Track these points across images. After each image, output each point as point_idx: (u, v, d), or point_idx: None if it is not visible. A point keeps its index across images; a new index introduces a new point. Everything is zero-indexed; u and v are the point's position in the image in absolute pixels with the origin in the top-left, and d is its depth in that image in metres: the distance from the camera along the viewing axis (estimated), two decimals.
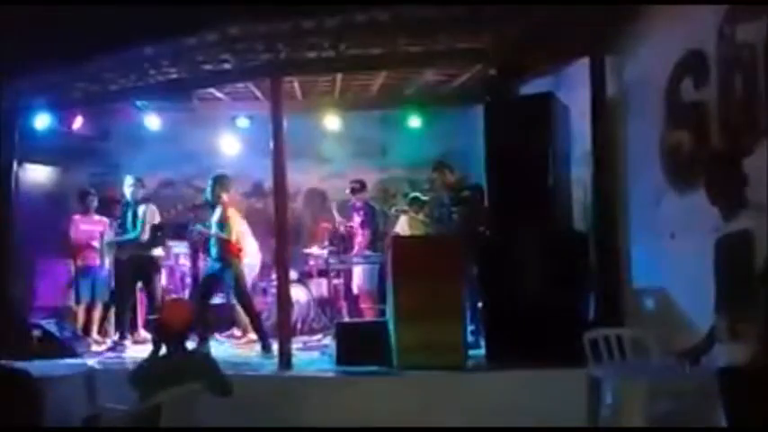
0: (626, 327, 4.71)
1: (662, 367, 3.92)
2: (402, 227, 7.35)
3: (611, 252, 5.46)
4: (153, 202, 7.44)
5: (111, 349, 6.70)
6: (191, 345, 5.85)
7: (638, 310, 5.11)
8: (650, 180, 4.91)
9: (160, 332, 4.22)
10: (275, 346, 5.89)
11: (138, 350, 6.33)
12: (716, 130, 4.10)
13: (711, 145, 4.13)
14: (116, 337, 6.93)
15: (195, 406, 3.80)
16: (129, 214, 7.12)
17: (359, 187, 7.54)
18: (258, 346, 6.48)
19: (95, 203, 7.48)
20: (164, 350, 4.11)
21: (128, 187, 7.15)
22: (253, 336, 7.01)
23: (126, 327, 6.90)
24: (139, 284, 7.18)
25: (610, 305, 5.33)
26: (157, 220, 7.25)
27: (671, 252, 4.69)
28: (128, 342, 6.77)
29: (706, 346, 2.95)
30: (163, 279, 7.49)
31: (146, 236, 7.05)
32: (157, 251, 7.24)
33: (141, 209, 7.10)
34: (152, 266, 7.11)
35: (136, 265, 7.03)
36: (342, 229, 7.61)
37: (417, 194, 7.45)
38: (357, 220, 7.54)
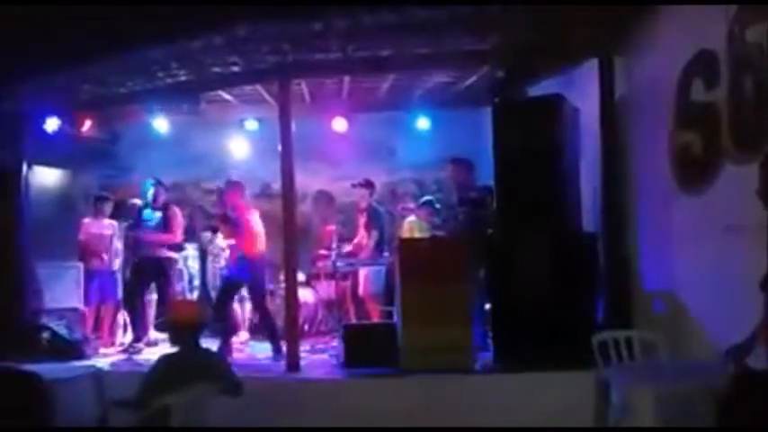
0: (635, 329, 4.68)
1: (671, 369, 3.90)
2: (404, 231, 7.34)
3: (620, 254, 5.43)
4: None
5: (124, 350, 6.72)
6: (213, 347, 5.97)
7: (648, 312, 5.08)
8: (660, 181, 4.89)
9: (169, 333, 4.27)
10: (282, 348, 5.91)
11: (151, 352, 6.37)
12: (726, 132, 4.08)
13: (722, 146, 4.11)
14: (130, 338, 6.95)
15: (205, 408, 3.81)
16: (153, 217, 7.09)
17: (366, 185, 7.52)
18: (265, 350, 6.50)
19: (110, 208, 7.50)
20: (175, 349, 4.15)
21: (150, 191, 7.15)
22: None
23: (140, 329, 6.92)
24: (152, 286, 7.18)
25: (619, 307, 5.30)
26: (182, 223, 7.28)
27: (681, 254, 4.67)
28: (141, 344, 6.79)
29: (751, 347, 2.90)
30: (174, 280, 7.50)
31: (180, 238, 7.08)
32: (172, 253, 7.25)
33: (170, 212, 7.09)
34: (166, 268, 7.12)
35: (150, 267, 7.03)
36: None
37: (431, 198, 7.43)
38: (362, 221, 7.53)
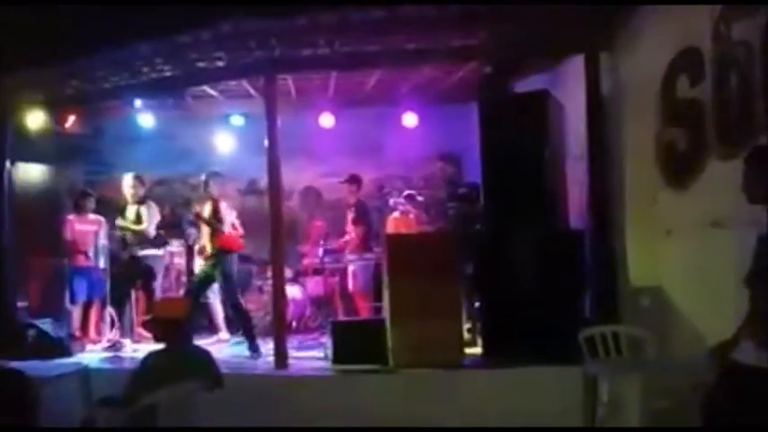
0: (622, 324, 4.71)
1: (658, 364, 3.93)
2: (389, 227, 7.36)
3: (607, 249, 5.46)
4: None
5: (110, 347, 6.68)
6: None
7: (635, 307, 5.12)
8: (646, 177, 4.92)
9: (155, 330, 4.26)
10: (270, 345, 5.89)
11: (137, 350, 6.34)
12: (711, 128, 4.11)
13: (707, 142, 4.14)
14: (115, 335, 6.91)
15: (191, 405, 3.79)
16: (131, 213, 7.09)
17: (352, 180, 7.52)
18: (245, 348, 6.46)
19: (93, 204, 7.45)
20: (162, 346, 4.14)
21: (128, 186, 7.13)
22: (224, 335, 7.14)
23: (126, 326, 6.88)
24: (138, 284, 7.14)
25: (606, 302, 5.33)
26: (158, 218, 7.24)
27: (667, 249, 4.70)
28: (127, 341, 6.76)
29: (736, 342, 2.93)
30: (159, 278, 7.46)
31: (152, 232, 7.05)
32: (156, 250, 7.23)
33: (144, 207, 7.08)
34: (151, 266, 7.10)
35: (135, 265, 7.00)
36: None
37: (412, 192, 7.43)
38: (350, 217, 7.53)
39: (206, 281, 6.74)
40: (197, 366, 4.03)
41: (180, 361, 3.99)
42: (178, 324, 4.18)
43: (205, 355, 4.26)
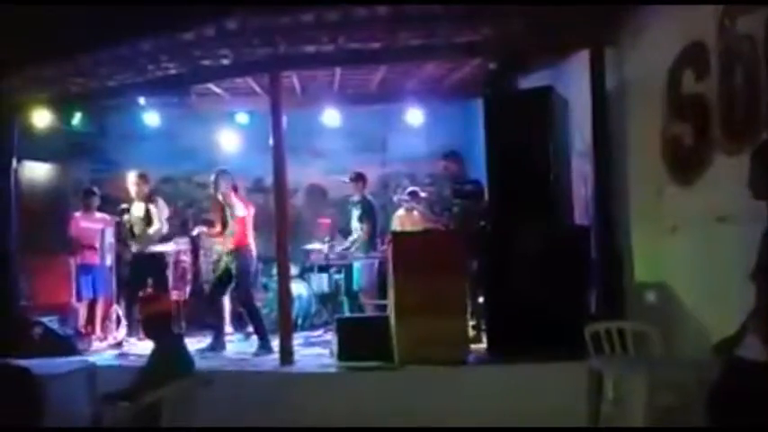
0: (628, 320, 4.69)
1: (663, 360, 3.92)
2: (394, 224, 7.35)
3: (612, 245, 5.45)
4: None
5: (116, 345, 6.70)
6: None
7: (640, 303, 5.10)
8: (651, 173, 4.90)
9: (146, 329, 4.30)
10: (275, 342, 5.89)
11: (144, 347, 6.35)
12: (717, 123, 4.09)
13: (713, 137, 4.12)
14: (122, 333, 6.93)
15: (194, 400, 3.80)
16: (139, 210, 7.10)
17: (358, 178, 7.52)
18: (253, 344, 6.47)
19: (98, 202, 7.49)
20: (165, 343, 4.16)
21: (132, 184, 7.14)
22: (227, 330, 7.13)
23: (134, 323, 6.90)
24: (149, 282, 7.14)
25: (611, 299, 5.32)
26: (167, 213, 7.26)
27: (672, 245, 4.68)
28: (134, 339, 6.77)
29: (741, 338, 2.92)
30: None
31: (165, 229, 7.10)
32: (166, 246, 7.25)
33: (153, 204, 7.10)
34: (161, 262, 7.12)
35: (146, 262, 7.03)
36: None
37: (416, 189, 7.43)
38: (355, 214, 7.54)
39: (225, 279, 6.70)
40: (191, 362, 4.07)
41: (179, 357, 4.02)
42: (166, 321, 4.21)
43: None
